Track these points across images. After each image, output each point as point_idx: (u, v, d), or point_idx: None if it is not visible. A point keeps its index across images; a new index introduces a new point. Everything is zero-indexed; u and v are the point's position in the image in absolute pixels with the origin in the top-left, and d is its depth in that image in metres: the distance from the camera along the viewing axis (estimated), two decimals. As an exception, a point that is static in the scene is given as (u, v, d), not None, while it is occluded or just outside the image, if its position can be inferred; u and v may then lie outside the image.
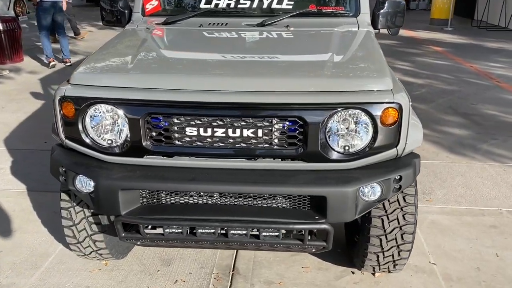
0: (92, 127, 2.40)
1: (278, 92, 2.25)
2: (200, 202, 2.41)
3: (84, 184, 2.43)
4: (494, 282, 2.95)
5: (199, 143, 2.31)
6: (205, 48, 2.94)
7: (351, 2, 3.38)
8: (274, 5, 3.31)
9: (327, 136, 2.27)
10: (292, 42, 3.04)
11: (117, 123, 2.35)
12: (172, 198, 2.42)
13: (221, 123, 2.26)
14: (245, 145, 2.29)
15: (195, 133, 2.29)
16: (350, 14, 3.35)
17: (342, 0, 3.46)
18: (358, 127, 2.27)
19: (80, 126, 2.38)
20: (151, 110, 2.28)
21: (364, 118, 2.25)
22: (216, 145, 2.31)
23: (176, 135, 2.31)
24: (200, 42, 3.04)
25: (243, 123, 2.25)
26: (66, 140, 2.47)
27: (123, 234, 2.44)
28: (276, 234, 2.35)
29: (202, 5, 3.37)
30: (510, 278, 2.98)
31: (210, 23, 3.22)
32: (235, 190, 2.29)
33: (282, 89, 2.26)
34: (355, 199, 2.25)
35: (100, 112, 2.36)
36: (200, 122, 2.27)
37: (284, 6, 3.29)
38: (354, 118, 2.26)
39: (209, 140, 2.30)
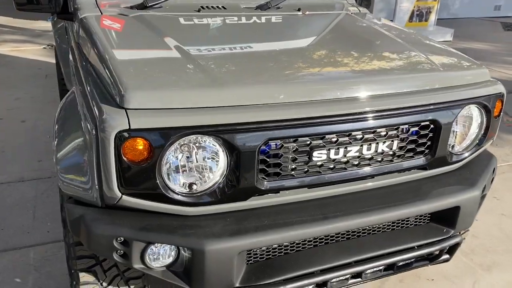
0: (174, 171, 1.60)
1: (409, 93, 1.85)
2: (317, 243, 1.86)
3: (160, 255, 1.63)
4: None
5: (321, 169, 1.76)
6: (262, 42, 2.27)
7: None
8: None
9: (453, 137, 1.98)
10: (344, 31, 2.56)
11: (211, 159, 1.61)
12: (287, 247, 1.80)
13: (354, 139, 1.75)
14: (373, 162, 1.84)
15: (324, 156, 1.72)
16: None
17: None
18: (472, 122, 2.05)
19: (156, 172, 1.55)
20: (272, 135, 1.61)
21: (477, 112, 2.04)
22: (341, 167, 1.79)
23: (297, 163, 1.70)
24: (247, 32, 2.35)
25: (378, 135, 1.79)
26: (125, 197, 1.59)
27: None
28: (412, 260, 1.99)
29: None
30: None
31: (203, 6, 2.49)
32: (379, 220, 1.82)
33: (410, 88, 1.86)
34: (479, 200, 2.04)
35: (187, 148, 1.58)
36: (331, 142, 1.72)
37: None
38: (470, 113, 2.03)
39: (337, 163, 1.77)
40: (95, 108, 1.58)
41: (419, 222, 2.03)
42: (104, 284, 1.85)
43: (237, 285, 1.66)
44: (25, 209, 3.43)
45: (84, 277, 1.82)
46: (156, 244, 1.60)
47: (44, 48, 7.87)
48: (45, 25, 9.41)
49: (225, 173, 1.62)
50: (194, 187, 1.62)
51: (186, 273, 1.63)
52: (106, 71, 1.71)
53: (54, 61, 7.04)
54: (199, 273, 1.59)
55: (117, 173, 1.54)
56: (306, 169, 1.72)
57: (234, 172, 1.62)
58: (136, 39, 2.11)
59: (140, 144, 1.51)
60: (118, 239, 1.59)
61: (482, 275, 2.87)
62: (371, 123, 1.74)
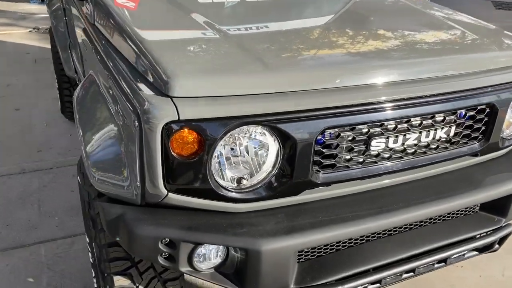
0: (225, 165, 1.45)
1: (467, 74, 1.71)
2: (369, 238, 1.74)
3: (208, 257, 1.49)
4: None
5: (377, 159, 1.62)
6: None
7: None
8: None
9: (508, 121, 1.87)
10: (388, 10, 2.39)
11: (263, 151, 1.46)
12: (338, 244, 1.68)
13: (412, 125, 1.62)
14: (429, 149, 1.71)
15: (382, 145, 1.59)
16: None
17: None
18: None
19: (206, 167, 1.40)
20: (331, 122, 1.46)
21: None
22: (397, 156, 1.66)
23: (353, 153, 1.56)
24: (281, 8, 2.16)
25: (436, 121, 1.66)
26: (171, 195, 1.43)
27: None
28: (465, 252, 1.88)
29: None
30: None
31: None
32: (437, 212, 1.70)
33: (469, 70, 1.73)
34: None
35: (238, 140, 1.43)
36: (390, 129, 1.58)
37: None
38: None
39: (393, 152, 1.63)
40: (133, 97, 1.42)
41: (469, 211, 1.92)
42: (140, 287, 1.71)
43: (292, 286, 1.53)
44: (29, 203, 3.25)
45: (119, 280, 1.67)
46: (204, 245, 1.46)
47: (30, 31, 7.52)
48: (28, 7, 9.02)
49: (277, 166, 1.48)
50: (244, 182, 1.48)
51: (238, 274, 1.49)
52: (140, 55, 1.54)
53: (42, 45, 6.74)
54: (253, 275, 1.45)
55: (163, 169, 1.38)
56: (362, 160, 1.59)
57: (288, 164, 1.48)
58: (166, 18, 1.93)
59: (190, 136, 1.35)
60: (164, 240, 1.44)
61: (510, 259, 2.81)
62: (430, 108, 1.61)
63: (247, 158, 1.46)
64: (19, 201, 3.26)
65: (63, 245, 2.84)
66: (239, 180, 1.48)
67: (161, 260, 1.46)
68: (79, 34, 2.48)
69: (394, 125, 1.57)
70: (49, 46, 4.98)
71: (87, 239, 2.35)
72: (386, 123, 1.55)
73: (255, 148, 1.45)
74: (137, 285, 1.70)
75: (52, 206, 3.22)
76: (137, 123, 1.36)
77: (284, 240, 1.45)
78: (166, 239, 1.44)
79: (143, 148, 1.37)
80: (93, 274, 2.34)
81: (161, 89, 1.37)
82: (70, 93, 4.17)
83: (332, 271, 1.60)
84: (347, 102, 1.47)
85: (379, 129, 1.55)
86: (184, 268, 1.47)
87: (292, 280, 1.53)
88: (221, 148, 1.41)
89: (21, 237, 2.90)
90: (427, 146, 1.69)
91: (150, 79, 1.45)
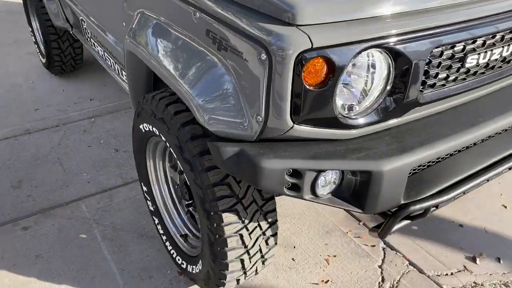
0: (346, 91, 1.47)
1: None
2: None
3: (327, 183, 1.54)
4: None
5: (469, 74, 1.69)
6: None
7: None
8: None
9: None
10: None
11: (377, 74, 1.49)
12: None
13: (502, 39, 1.68)
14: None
15: (480, 60, 1.65)
16: None
17: None
18: None
19: (332, 95, 1.41)
20: (440, 41, 1.50)
21: None
22: (484, 70, 1.74)
23: (451, 70, 1.62)
24: None
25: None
26: (297, 126, 1.44)
27: (394, 228, 1.68)
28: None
29: None
30: None
31: None
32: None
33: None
34: None
35: (359, 64, 1.45)
36: (484, 45, 1.64)
37: None
38: None
39: (483, 66, 1.71)
40: (255, 30, 1.38)
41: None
42: (246, 221, 1.74)
43: (402, 202, 1.62)
44: (49, 163, 3.12)
45: (227, 217, 1.69)
46: (327, 172, 1.50)
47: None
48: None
49: (389, 88, 1.52)
50: (357, 108, 1.51)
51: (356, 196, 1.55)
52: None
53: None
54: (373, 195, 1.52)
55: (292, 101, 1.38)
56: (456, 77, 1.65)
57: (399, 86, 1.51)
58: None
59: (320, 64, 1.34)
60: (288, 171, 1.47)
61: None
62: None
63: (364, 83, 1.48)
64: (38, 162, 3.12)
65: (103, 199, 2.79)
66: (350, 107, 1.51)
67: (286, 191, 1.50)
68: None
69: (487, 41, 1.63)
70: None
71: (145, 188, 2.34)
72: (482, 39, 1.61)
73: (372, 71, 1.47)
74: (243, 219, 1.73)
75: (75, 163, 3.11)
76: (264, 56, 1.34)
77: (401, 160, 1.51)
78: (290, 170, 1.46)
79: (271, 81, 1.36)
80: (156, 221, 2.35)
81: (285, 18, 1.34)
82: (58, 46, 3.91)
83: (432, 184, 1.70)
84: (457, 19, 1.51)
85: (474, 45, 1.61)
86: (307, 195, 1.52)
87: (402, 196, 1.62)
88: (346, 74, 1.43)
89: (55, 196, 2.81)
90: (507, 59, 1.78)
91: (267, 10, 1.40)
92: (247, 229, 1.77)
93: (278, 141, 1.53)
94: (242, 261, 1.83)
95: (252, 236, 1.80)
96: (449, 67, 1.61)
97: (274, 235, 1.88)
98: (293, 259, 2.39)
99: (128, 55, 2.12)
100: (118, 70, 2.66)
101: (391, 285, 2.28)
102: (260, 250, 1.86)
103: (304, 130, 1.46)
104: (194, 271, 2.07)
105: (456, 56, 1.59)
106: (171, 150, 1.83)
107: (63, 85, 4.16)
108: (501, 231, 2.59)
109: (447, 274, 2.34)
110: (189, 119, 1.74)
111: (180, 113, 1.77)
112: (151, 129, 1.95)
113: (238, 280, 1.94)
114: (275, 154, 1.47)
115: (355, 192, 1.56)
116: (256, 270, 1.96)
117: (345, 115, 1.49)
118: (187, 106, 1.78)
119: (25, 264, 2.36)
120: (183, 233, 2.24)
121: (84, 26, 3.09)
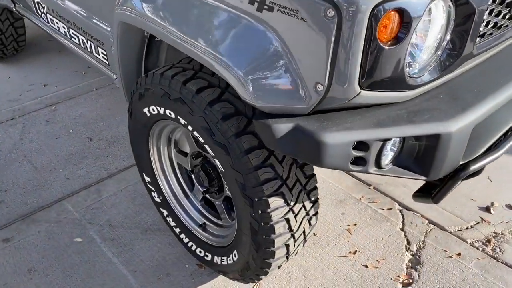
0: (413, 49, 1.31)
1: None
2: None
3: (389, 152, 1.41)
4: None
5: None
6: None
7: None
8: None
9: None
10: None
11: (438, 26, 1.34)
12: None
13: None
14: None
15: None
16: None
17: None
18: None
19: (404, 53, 1.25)
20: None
21: None
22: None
23: (499, 18, 1.51)
24: None
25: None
26: (364, 92, 1.27)
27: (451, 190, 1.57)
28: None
29: None
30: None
31: None
32: None
33: None
34: None
35: (427, 18, 1.29)
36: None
37: None
38: None
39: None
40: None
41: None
42: (292, 203, 1.57)
43: (461, 162, 1.52)
44: (15, 162, 2.75)
45: (273, 202, 1.51)
46: (392, 140, 1.36)
47: None
48: None
49: (448, 40, 1.38)
50: (418, 64, 1.37)
51: (419, 163, 1.43)
52: None
53: None
54: (439, 159, 1.39)
55: (362, 62, 1.20)
56: (502, 24, 1.55)
57: (459, 38, 1.38)
58: None
59: (394, 19, 1.17)
60: (352, 146, 1.31)
61: None
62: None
63: (424, 36, 1.33)
64: (1, 162, 2.73)
65: (90, 196, 2.49)
66: (410, 64, 1.36)
67: (351, 166, 1.34)
68: None
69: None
70: None
71: (147, 179, 2.09)
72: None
73: (433, 22, 1.32)
74: (289, 201, 1.55)
75: (45, 159, 2.76)
76: (331, 12, 1.14)
77: (466, 117, 1.39)
78: (355, 142, 1.30)
79: (339, 41, 1.17)
80: (165, 213, 2.12)
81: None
82: (-2, 28, 3.42)
83: (482, 141, 1.61)
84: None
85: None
86: (372, 168, 1.37)
87: (461, 157, 1.52)
88: (416, 30, 1.26)
89: (32, 199, 2.47)
90: None
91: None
92: (293, 212, 1.60)
93: (331, 112, 1.36)
94: (287, 246, 1.67)
95: (298, 218, 1.64)
96: (498, 14, 1.49)
97: (316, 213, 1.73)
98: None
99: (121, 27, 1.81)
100: (92, 47, 2.32)
101: (417, 247, 2.22)
102: (304, 231, 1.71)
103: (371, 95, 1.29)
104: (224, 263, 1.88)
105: (506, 2, 1.48)
106: (196, 134, 1.60)
107: (7, 71, 3.68)
108: (505, 178, 2.61)
109: (467, 228, 2.32)
110: (216, 96, 1.52)
111: (203, 90, 1.53)
112: (162, 112, 1.69)
113: (279, 266, 1.78)
114: (337, 126, 1.30)
115: (418, 158, 1.43)
116: (296, 252, 1.81)
117: (411, 75, 1.34)
118: (209, 82, 1.55)
119: (18, 281, 2.05)
120: (200, 223, 2.02)
121: (36, 0, 2.67)
